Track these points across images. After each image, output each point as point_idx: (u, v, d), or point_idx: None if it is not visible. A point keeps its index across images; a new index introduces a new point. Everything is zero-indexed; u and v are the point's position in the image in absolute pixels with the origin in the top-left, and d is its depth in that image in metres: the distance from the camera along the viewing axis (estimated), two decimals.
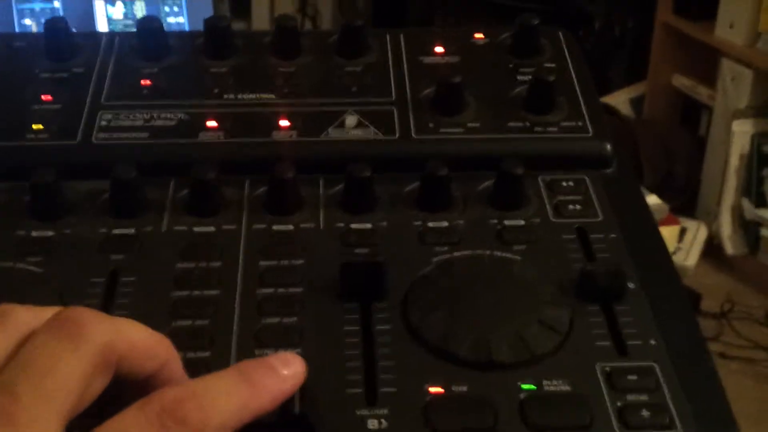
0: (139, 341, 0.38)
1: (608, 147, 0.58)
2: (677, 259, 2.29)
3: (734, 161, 2.32)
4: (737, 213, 2.35)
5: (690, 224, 2.40)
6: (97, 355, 0.35)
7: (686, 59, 2.53)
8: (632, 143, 2.45)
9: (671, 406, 0.42)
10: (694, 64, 2.51)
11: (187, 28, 1.16)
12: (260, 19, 2.95)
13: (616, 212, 0.54)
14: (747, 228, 2.35)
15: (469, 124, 0.59)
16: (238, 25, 0.68)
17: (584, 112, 0.60)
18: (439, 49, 0.65)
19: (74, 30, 0.64)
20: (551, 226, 0.53)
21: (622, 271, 0.48)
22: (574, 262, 0.50)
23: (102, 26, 1.12)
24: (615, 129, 2.45)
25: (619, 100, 2.72)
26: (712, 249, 2.37)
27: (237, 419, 0.36)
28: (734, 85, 2.30)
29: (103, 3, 1.13)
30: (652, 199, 2.19)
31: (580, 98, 0.61)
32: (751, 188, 2.31)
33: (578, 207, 0.54)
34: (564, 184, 0.56)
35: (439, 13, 2.86)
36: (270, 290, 0.49)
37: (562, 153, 0.58)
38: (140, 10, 1.16)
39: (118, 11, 1.13)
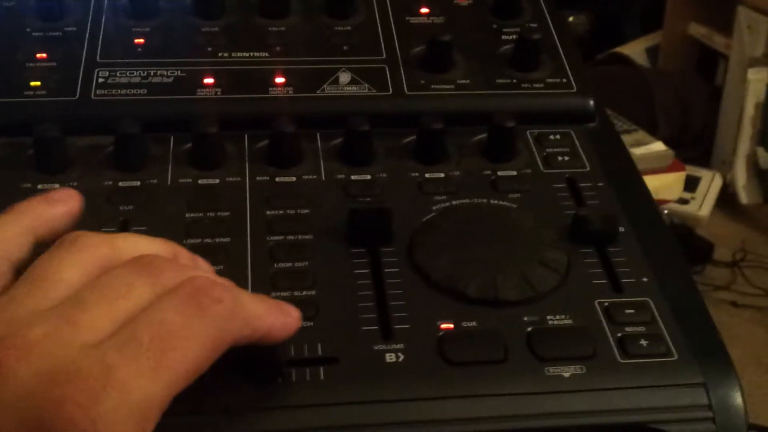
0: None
1: (591, 102, 0.61)
2: (691, 209, 2.30)
3: (750, 110, 2.32)
4: (752, 162, 2.36)
5: (704, 174, 2.39)
6: (163, 287, 0.37)
7: (702, 7, 2.52)
8: (647, 94, 2.45)
9: (666, 336, 0.45)
10: (710, 13, 2.50)
11: None
12: None
13: (602, 163, 0.57)
14: (761, 177, 2.35)
15: (459, 81, 0.61)
16: None
17: (567, 69, 0.63)
18: (424, 10, 0.67)
19: None
20: (542, 176, 0.56)
21: (613, 215, 0.51)
22: (566, 209, 0.53)
23: None
24: (630, 79, 2.48)
25: (635, 50, 2.69)
26: (726, 199, 2.38)
27: (257, 324, 0.38)
28: (750, 33, 2.29)
29: None
30: (658, 146, 2.18)
31: (563, 56, 0.64)
32: (766, 137, 2.31)
33: (566, 158, 0.57)
34: (551, 137, 0.59)
35: None
36: (279, 237, 0.51)
37: (548, 108, 0.61)
38: None
39: None
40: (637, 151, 2.16)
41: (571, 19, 2.77)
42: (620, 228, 0.51)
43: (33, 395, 0.33)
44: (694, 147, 2.48)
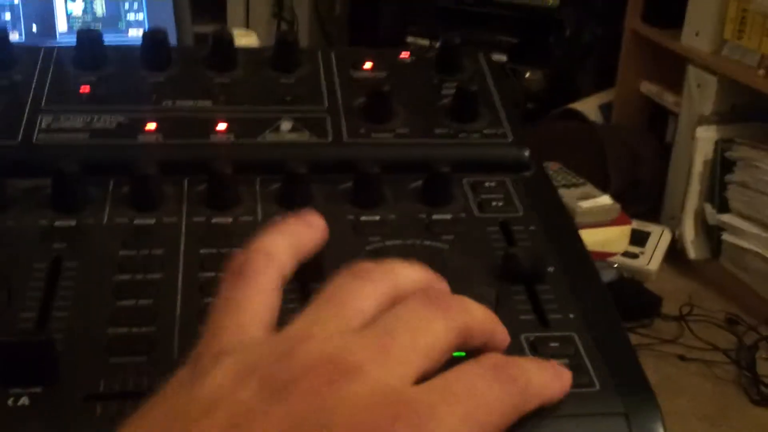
0: (486, 326, 0.41)
1: (526, 153, 0.62)
2: (640, 263, 2.34)
3: (698, 167, 2.38)
4: (700, 218, 2.41)
5: (654, 229, 2.45)
6: (460, 333, 0.39)
7: (653, 66, 2.60)
8: (599, 148, 2.50)
9: (590, 368, 0.45)
10: (661, 71, 2.58)
11: (146, 27, 1.19)
12: (235, 23, 3.00)
13: (536, 209, 0.58)
14: (709, 233, 2.40)
15: (399, 130, 0.62)
16: (208, 28, 0.71)
17: (504, 120, 0.64)
18: (367, 65, 0.69)
19: (33, 26, 0.66)
20: (476, 220, 0.57)
21: (541, 254, 0.52)
22: (498, 250, 0.54)
23: (61, 22, 1.13)
24: (582, 134, 2.52)
25: (588, 106, 2.76)
26: (675, 253, 2.42)
27: (543, 395, 0.40)
28: (699, 91, 2.36)
29: (63, 2, 1.15)
30: (604, 199, 2.22)
31: (500, 109, 0.65)
32: (714, 193, 2.37)
33: (500, 204, 0.58)
34: (487, 185, 0.60)
35: (412, 24, 2.93)
36: (211, 274, 0.51)
37: (484, 157, 0.62)
38: (100, 7, 1.18)
39: (77, 8, 1.15)
40: (584, 204, 2.19)
41: (527, 75, 2.83)
42: (549, 268, 0.52)
43: (367, 414, 0.34)
44: (645, 202, 2.52)
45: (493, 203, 0.58)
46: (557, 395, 0.41)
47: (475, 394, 0.37)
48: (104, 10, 1.17)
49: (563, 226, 0.57)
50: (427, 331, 0.38)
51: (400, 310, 0.39)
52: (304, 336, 0.37)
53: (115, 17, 1.19)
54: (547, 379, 0.40)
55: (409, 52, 0.71)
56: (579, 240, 0.56)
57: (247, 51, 0.71)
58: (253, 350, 0.37)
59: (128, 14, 1.18)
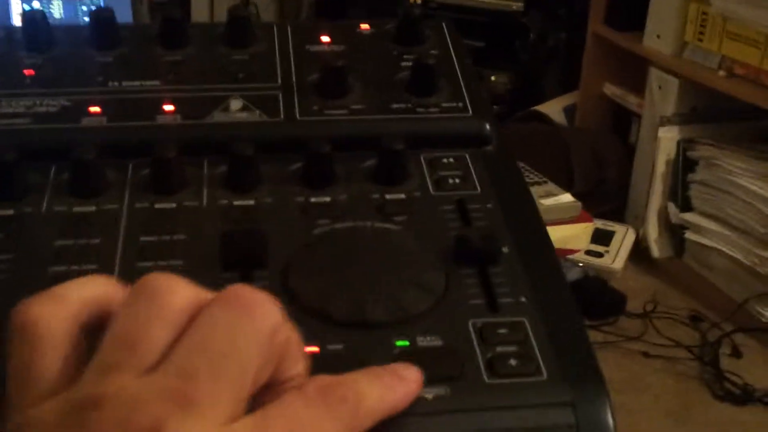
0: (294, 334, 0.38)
1: (487, 126, 0.59)
2: (605, 262, 2.34)
3: (661, 167, 2.37)
4: (663, 217, 2.40)
5: (618, 228, 2.45)
6: (270, 337, 0.35)
7: (616, 68, 2.60)
8: (564, 150, 2.50)
9: (538, 355, 0.43)
10: (623, 74, 2.58)
11: None
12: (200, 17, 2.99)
13: (495, 186, 0.55)
14: (672, 231, 2.40)
15: (353, 106, 0.60)
16: None
17: (465, 94, 0.61)
18: (325, 39, 0.66)
19: None
20: (431, 199, 0.54)
21: (493, 235, 0.49)
22: (453, 230, 0.51)
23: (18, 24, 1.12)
24: (546, 135, 2.53)
25: (553, 109, 2.77)
26: (639, 252, 2.43)
27: (381, 409, 0.37)
28: (661, 93, 2.36)
29: (20, 1, 1.13)
30: (566, 197, 2.23)
31: (461, 82, 0.62)
32: (676, 193, 2.37)
33: (458, 181, 0.56)
34: (445, 160, 0.57)
35: (379, 15, 2.92)
36: (149, 263, 0.49)
37: (443, 132, 0.59)
38: (57, 9, 1.16)
39: None
40: (546, 202, 2.19)
41: (493, 78, 2.85)
42: (504, 248, 0.50)
43: None
44: (610, 202, 2.53)
45: (450, 180, 0.56)
46: (400, 403, 0.38)
47: (300, 425, 0.34)
48: (62, 12, 1.14)
49: (521, 203, 0.55)
50: (234, 352, 0.33)
51: (198, 333, 0.34)
52: (94, 399, 0.32)
53: (72, 19, 1.16)
54: (383, 390, 0.37)
55: (369, 25, 0.68)
56: (537, 217, 0.53)
57: (201, 27, 0.68)
58: (44, 429, 0.32)
59: (86, 16, 1.16)
